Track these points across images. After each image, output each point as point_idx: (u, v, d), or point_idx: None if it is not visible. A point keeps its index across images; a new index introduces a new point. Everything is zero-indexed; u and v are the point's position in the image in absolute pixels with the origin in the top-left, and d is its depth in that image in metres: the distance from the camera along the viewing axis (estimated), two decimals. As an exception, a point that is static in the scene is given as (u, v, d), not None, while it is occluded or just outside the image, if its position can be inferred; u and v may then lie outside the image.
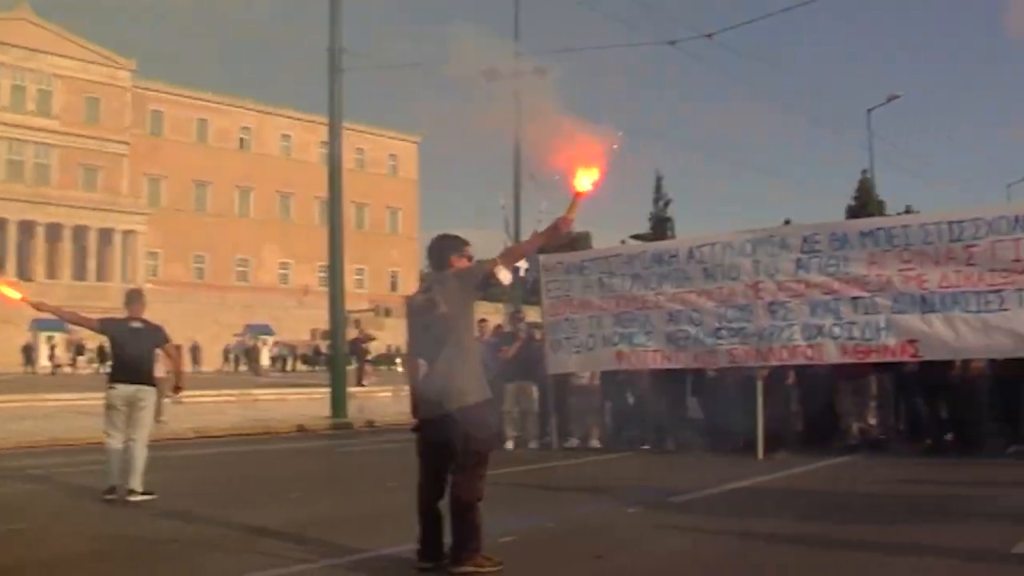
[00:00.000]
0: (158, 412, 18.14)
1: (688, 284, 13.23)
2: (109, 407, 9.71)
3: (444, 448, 6.04)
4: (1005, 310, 11.00)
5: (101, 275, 69.52)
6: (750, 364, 12.63)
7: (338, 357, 22.34)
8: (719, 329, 12.85)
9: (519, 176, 29.23)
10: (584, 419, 14.92)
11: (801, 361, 12.43)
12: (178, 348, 10.23)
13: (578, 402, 14.95)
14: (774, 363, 12.51)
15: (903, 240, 11.71)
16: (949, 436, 13.04)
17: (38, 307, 10.29)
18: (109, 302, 62.38)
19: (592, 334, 14.11)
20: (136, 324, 9.94)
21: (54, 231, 67.65)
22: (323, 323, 60.51)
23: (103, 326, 10.07)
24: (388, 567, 6.36)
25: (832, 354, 12.10)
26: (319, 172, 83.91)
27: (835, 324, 12.01)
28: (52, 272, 66.65)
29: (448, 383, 6.00)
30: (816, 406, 13.66)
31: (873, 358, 11.90)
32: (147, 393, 9.79)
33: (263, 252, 79.14)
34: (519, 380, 14.83)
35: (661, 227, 71.05)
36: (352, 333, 32.75)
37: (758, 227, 13.31)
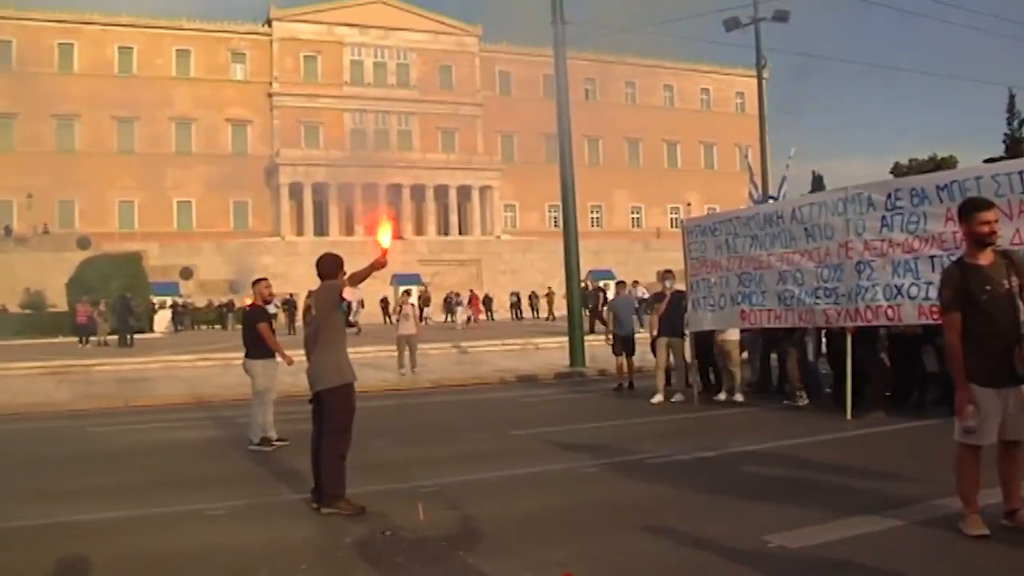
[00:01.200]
0: (412, 363, 20.79)
1: (793, 244, 13.33)
2: None
3: (321, 415, 7.62)
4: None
5: (463, 229, 74.87)
6: (841, 324, 12.60)
7: (575, 307, 23.22)
8: (817, 289, 12.90)
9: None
10: (731, 374, 15.27)
11: (883, 321, 12.21)
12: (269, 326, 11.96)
13: (726, 357, 15.32)
14: (860, 323, 12.38)
15: (977, 193, 11.11)
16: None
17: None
18: (465, 254, 67.61)
19: (723, 293, 14.58)
20: (247, 307, 12.09)
21: (418, 192, 73.74)
22: (671, 264, 61.77)
23: None
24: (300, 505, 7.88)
25: (910, 315, 11.81)
26: (665, 116, 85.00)
27: (913, 284, 11.72)
28: (418, 229, 72.72)
29: (316, 370, 7.62)
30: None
31: (946, 319, 11.50)
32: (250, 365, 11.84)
33: (614, 198, 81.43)
34: (668, 335, 15.58)
35: (1016, 147, 65.40)
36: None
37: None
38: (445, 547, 6.36)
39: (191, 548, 6.63)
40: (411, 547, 6.38)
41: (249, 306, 12.08)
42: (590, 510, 7.41)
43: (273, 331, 12.00)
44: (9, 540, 7.05)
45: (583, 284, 34.57)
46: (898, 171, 69.80)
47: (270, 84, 77.59)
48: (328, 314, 7.88)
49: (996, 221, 6.35)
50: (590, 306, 32.83)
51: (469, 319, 48.46)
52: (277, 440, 11.53)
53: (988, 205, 6.42)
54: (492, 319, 58.11)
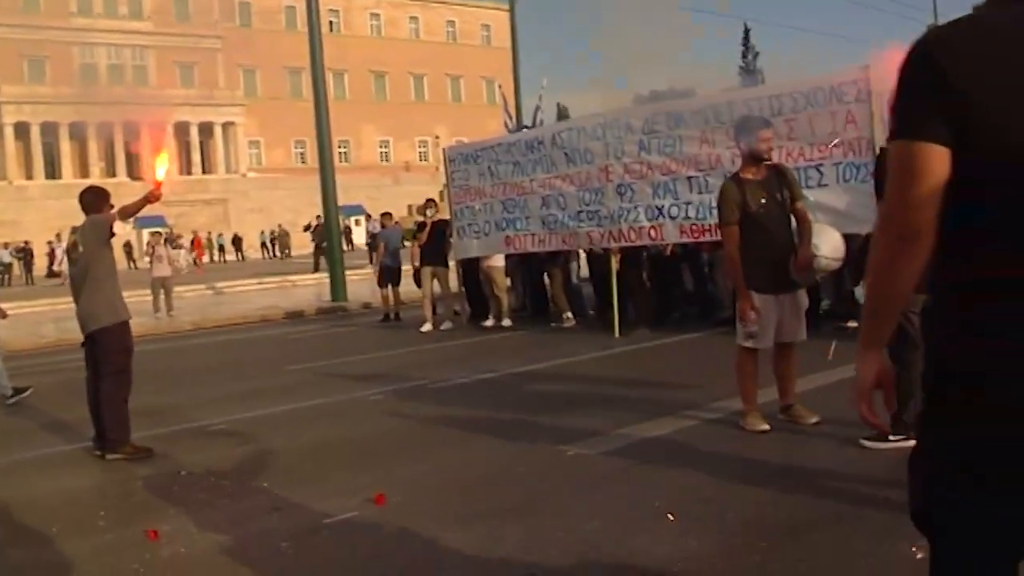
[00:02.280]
0: (168, 306, 19.96)
1: (554, 169, 13.58)
2: None
3: (96, 359, 7.17)
4: (824, 186, 10.94)
5: (207, 168, 72.24)
6: (605, 246, 13.01)
7: (334, 243, 22.98)
8: (579, 212, 13.22)
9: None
10: (497, 300, 15.49)
11: (647, 241, 12.68)
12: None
13: (492, 284, 15.53)
14: (624, 244, 12.81)
15: (729, 117, 11.43)
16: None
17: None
18: (211, 193, 65.33)
19: (487, 220, 14.72)
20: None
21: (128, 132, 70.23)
22: (421, 198, 61.80)
23: None
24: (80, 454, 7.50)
25: (671, 234, 12.33)
26: (411, 48, 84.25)
27: (673, 204, 12.21)
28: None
29: (87, 310, 7.15)
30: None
31: (707, 237, 12.00)
32: None
33: (362, 133, 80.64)
34: (433, 265, 15.63)
35: (751, 80, 69.27)
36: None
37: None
38: (248, 481, 6.21)
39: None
40: (212, 485, 6.19)
41: None
42: (385, 435, 7.41)
43: None
44: None
45: (316, 223, 34.39)
46: (639, 102, 72.33)
47: (-15, 14, 71.62)
48: (97, 250, 7.38)
49: (772, 139, 6.73)
50: (318, 243, 32.60)
51: (195, 262, 46.72)
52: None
53: (766, 124, 6.78)
54: (242, 259, 56.77)
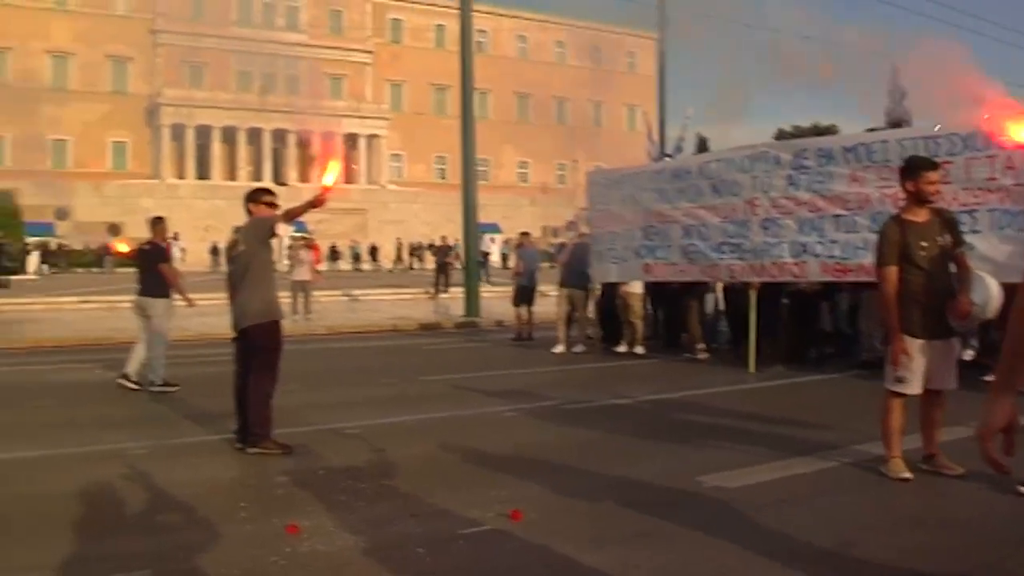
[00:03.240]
0: (306, 310, 20.53)
1: (699, 199, 13.53)
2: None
3: (246, 354, 7.40)
4: (977, 232, 10.62)
5: (348, 177, 73.94)
6: (746, 279, 12.88)
7: (472, 259, 23.35)
8: (721, 244, 13.13)
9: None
10: (632, 326, 15.44)
11: (788, 278, 12.52)
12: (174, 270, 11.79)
13: (628, 310, 15.47)
14: (766, 279, 12.66)
15: (882, 156, 11.36)
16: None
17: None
18: (351, 203, 66.84)
19: (627, 246, 14.72)
20: (145, 247, 11.71)
21: (304, 138, 72.45)
22: (557, 220, 61.98)
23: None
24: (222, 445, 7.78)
25: (814, 272, 12.15)
26: (556, 72, 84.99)
27: (818, 242, 12.02)
28: (304, 176, 71.55)
29: (243, 307, 7.41)
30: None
31: (850, 277, 11.81)
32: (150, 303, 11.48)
33: (502, 153, 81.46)
34: (569, 287, 15.70)
35: (897, 119, 67.59)
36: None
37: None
38: (385, 485, 6.32)
39: (119, 486, 6.43)
40: (349, 486, 6.32)
41: (149, 244, 11.75)
42: (520, 452, 7.46)
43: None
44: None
45: (441, 242, 34.66)
46: (781, 137, 71.27)
47: (154, 20, 74.91)
48: (257, 250, 7.64)
49: (939, 181, 6.58)
50: (440, 261, 32.82)
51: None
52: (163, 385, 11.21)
53: (934, 165, 6.63)
54: (378, 269, 58.00)
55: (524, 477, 6.50)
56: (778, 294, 13.22)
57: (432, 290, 30.86)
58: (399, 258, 60.43)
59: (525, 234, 19.23)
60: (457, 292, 25.78)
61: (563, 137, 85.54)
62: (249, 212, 7.77)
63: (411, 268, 56.23)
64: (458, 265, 29.59)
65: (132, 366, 11.37)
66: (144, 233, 12.08)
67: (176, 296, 11.63)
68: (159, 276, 11.39)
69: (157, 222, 11.94)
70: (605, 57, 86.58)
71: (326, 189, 7.19)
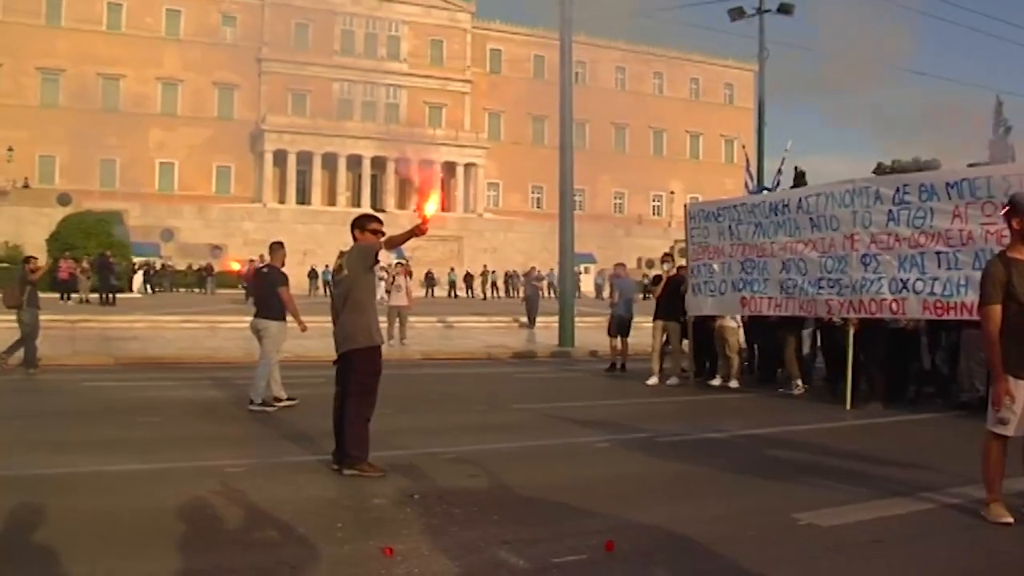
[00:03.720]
0: (402, 335, 20.85)
1: (798, 233, 13.42)
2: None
3: (346, 377, 7.60)
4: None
5: (445, 205, 74.80)
6: (844, 315, 12.71)
7: (567, 288, 23.45)
8: (820, 279, 13.00)
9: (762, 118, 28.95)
10: (728, 360, 15.35)
11: (887, 315, 12.32)
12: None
13: (724, 343, 15.39)
14: (864, 315, 12.48)
15: (985, 192, 11.08)
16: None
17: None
18: (447, 230, 67.51)
19: (724, 279, 14.67)
20: (264, 269, 12.14)
21: (402, 166, 73.62)
22: (651, 252, 61.79)
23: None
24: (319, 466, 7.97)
25: (914, 309, 11.92)
26: (653, 103, 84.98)
27: (919, 279, 11.81)
28: (401, 203, 72.59)
29: (345, 331, 7.62)
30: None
31: (951, 315, 11.56)
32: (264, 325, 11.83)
33: (598, 183, 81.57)
34: (664, 319, 15.69)
35: (1001, 153, 65.96)
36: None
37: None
38: (477, 512, 6.40)
39: (219, 502, 6.62)
40: (443, 511, 6.41)
41: (267, 267, 12.17)
42: (613, 483, 7.49)
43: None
44: (25, 488, 7.02)
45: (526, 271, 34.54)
46: (880, 171, 70.21)
47: (259, 49, 77.01)
48: (360, 275, 7.81)
49: None
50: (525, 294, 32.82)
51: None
52: (288, 399, 11.61)
53: None
54: (472, 296, 58.38)
55: (618, 508, 6.53)
56: (876, 331, 13.00)
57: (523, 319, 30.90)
58: (493, 285, 60.69)
59: (620, 265, 19.27)
60: (550, 321, 25.87)
61: (659, 168, 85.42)
62: (355, 238, 7.94)
63: (507, 295, 56.42)
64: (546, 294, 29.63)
65: (275, 388, 11.76)
66: (244, 255, 12.51)
67: (290, 319, 11.96)
68: (276, 299, 11.73)
69: (277, 247, 12.34)
70: (703, 89, 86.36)
71: (426, 219, 7.34)
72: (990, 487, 6.34)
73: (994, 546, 5.76)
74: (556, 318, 23.38)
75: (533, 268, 36.82)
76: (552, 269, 64.52)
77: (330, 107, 76.06)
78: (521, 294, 43.19)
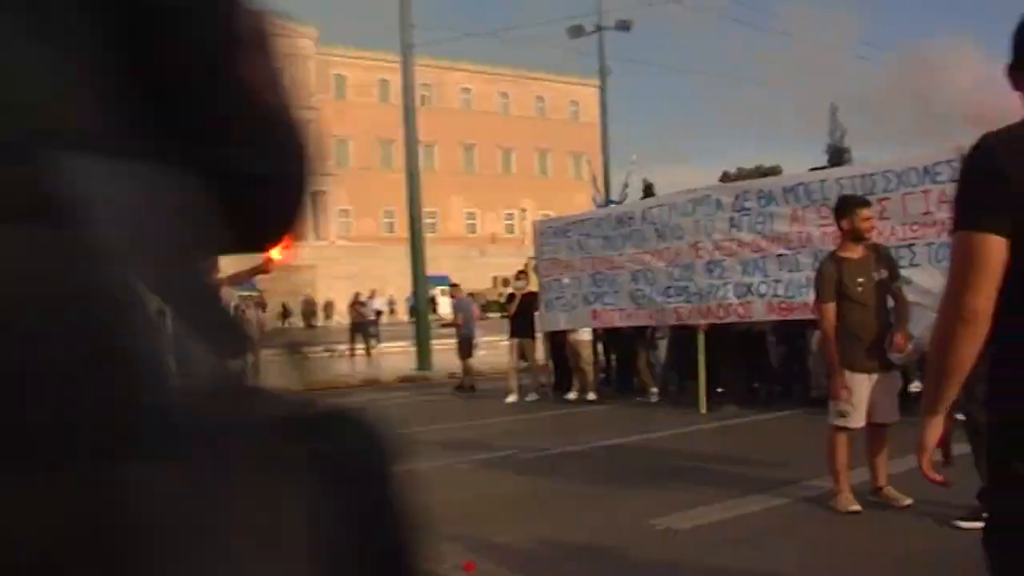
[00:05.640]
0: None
1: (644, 245, 13.67)
2: None
3: None
4: (916, 265, 10.79)
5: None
6: (692, 322, 12.97)
7: (422, 312, 23.33)
8: (668, 288, 13.25)
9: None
10: (583, 373, 15.45)
11: (734, 319, 12.64)
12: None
13: (577, 357, 15.50)
14: (712, 320, 12.76)
15: (820, 195, 11.46)
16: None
17: None
18: (299, 260, 66.32)
19: (576, 293, 14.81)
20: None
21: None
22: (507, 270, 61.99)
23: None
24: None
25: (760, 312, 12.28)
26: (500, 122, 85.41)
27: (762, 282, 12.16)
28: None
29: None
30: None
31: (796, 315, 11.91)
32: None
33: (450, 204, 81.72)
34: (520, 336, 15.74)
35: (838, 157, 68.69)
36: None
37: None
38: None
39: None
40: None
41: None
42: (474, 503, 7.42)
43: None
44: None
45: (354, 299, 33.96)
46: (726, 179, 72.11)
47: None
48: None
49: (873, 217, 6.74)
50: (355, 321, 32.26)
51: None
52: None
53: (867, 203, 6.80)
54: (331, 325, 57.66)
55: (478, 529, 6.47)
56: (725, 335, 13.30)
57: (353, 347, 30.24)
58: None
59: (455, 286, 19.26)
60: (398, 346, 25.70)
61: (509, 186, 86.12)
62: None
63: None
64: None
65: None
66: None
67: None
68: None
69: None
70: (549, 106, 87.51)
71: (271, 259, 7.18)
72: (837, 479, 6.54)
73: (844, 536, 5.94)
74: (409, 343, 23.20)
75: (358, 294, 36.23)
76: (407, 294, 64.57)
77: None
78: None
